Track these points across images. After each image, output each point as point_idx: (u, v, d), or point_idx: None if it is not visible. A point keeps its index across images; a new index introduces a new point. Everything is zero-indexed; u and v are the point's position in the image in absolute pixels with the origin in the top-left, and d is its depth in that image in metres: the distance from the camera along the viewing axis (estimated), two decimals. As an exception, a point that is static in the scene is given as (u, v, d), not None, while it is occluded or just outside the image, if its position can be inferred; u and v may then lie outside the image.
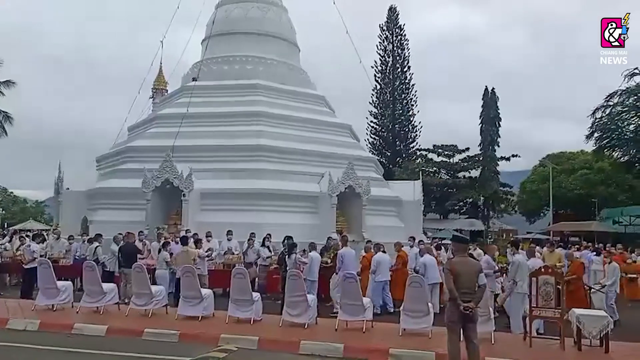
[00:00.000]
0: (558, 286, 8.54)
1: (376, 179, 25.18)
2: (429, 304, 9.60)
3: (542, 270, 8.90)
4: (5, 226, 43.63)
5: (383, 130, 55.89)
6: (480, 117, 49.22)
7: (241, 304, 10.07)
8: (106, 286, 11.08)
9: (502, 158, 49.12)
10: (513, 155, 49.39)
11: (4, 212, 56.75)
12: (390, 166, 50.37)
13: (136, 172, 21.40)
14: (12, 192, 73.39)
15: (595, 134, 37.98)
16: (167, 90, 31.56)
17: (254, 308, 10.04)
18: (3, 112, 38.24)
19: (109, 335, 9.25)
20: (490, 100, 48.89)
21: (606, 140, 38.10)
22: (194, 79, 25.91)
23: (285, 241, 13.68)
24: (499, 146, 48.83)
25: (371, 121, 56.14)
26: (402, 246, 14.14)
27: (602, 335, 8.26)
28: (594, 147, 39.46)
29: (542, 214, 51.79)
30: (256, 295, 10.35)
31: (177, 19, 27.53)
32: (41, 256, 13.35)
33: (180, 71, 30.20)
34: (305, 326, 9.56)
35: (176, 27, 28.64)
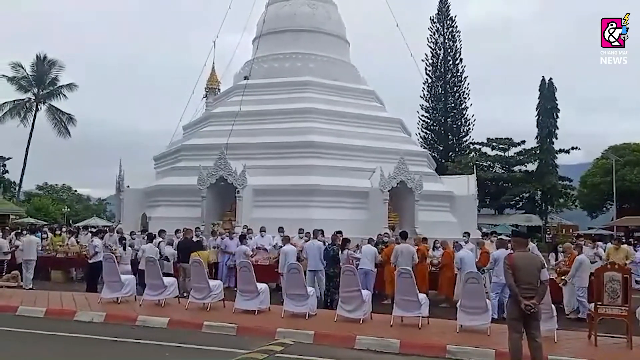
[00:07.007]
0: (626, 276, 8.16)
1: (428, 173, 24.81)
2: (487, 300, 9.39)
3: (609, 266, 8.54)
4: (71, 223, 45.83)
5: (435, 124, 54.94)
6: (537, 108, 47.58)
7: (296, 299, 10.18)
8: (167, 280, 11.46)
9: (560, 150, 47.31)
10: (573, 148, 47.46)
11: (69, 209, 59.61)
12: (443, 161, 49.48)
13: (192, 169, 21.99)
14: (76, 191, 77.11)
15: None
16: (219, 90, 32.13)
17: (308, 303, 10.13)
18: (67, 114, 40.20)
19: (171, 327, 9.54)
20: (547, 91, 47.20)
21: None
22: (245, 78, 26.35)
23: (332, 237, 13.60)
24: (557, 138, 47.11)
25: (422, 115, 55.32)
26: (423, 239, 14.21)
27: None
28: (661, 138, 37.50)
29: (604, 209, 49.55)
30: (311, 290, 10.44)
31: (229, 19, 28.07)
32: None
33: (232, 70, 30.66)
34: (360, 321, 9.56)
35: (228, 27, 29.19)
